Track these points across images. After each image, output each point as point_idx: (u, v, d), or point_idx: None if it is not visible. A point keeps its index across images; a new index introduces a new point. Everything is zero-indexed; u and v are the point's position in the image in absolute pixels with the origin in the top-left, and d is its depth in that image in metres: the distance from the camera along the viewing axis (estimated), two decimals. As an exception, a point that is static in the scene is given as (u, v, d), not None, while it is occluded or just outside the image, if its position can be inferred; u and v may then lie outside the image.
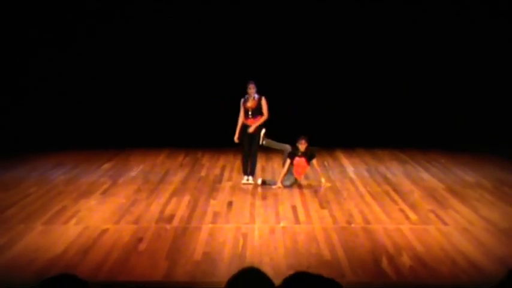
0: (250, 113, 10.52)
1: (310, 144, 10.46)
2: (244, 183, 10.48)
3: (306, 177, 10.92)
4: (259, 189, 10.15)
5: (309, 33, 13.97)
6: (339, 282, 2.52)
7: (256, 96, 10.56)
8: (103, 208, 8.98)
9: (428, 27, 13.93)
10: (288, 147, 10.36)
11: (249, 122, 10.54)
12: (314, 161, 10.41)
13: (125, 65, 14.13)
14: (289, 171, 10.32)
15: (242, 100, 10.63)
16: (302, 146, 10.27)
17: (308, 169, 10.57)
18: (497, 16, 13.62)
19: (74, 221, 8.33)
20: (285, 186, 10.22)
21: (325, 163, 12.32)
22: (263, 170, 11.57)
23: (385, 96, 14.25)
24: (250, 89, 10.51)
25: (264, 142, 10.46)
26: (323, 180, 10.43)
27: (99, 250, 7.17)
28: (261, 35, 13.94)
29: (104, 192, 9.96)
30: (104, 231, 7.85)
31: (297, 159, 10.29)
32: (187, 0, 14.02)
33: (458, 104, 14.13)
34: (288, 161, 10.29)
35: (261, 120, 10.50)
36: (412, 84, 14.17)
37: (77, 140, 13.92)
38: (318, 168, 10.55)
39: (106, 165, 12.14)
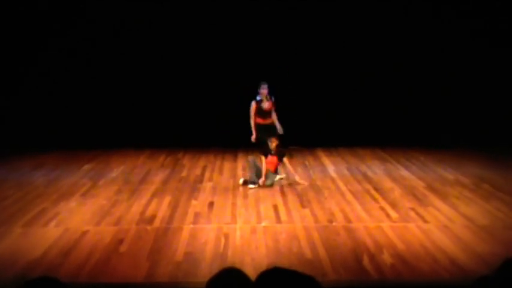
0: (268, 113, 10.90)
1: (292, 143, 10.53)
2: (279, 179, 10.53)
3: (287, 177, 10.96)
4: (241, 189, 10.15)
5: (292, 32, 13.97)
6: (315, 279, 2.52)
7: (269, 97, 10.92)
8: (83, 210, 8.93)
9: (409, 26, 13.98)
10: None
11: (268, 121, 10.93)
12: (285, 159, 10.52)
13: (104, 65, 14.06)
14: (269, 171, 10.34)
15: (254, 102, 10.90)
16: (272, 144, 10.33)
17: (290, 168, 10.60)
18: (472, 16, 13.77)
19: (54, 223, 8.28)
20: (266, 186, 10.22)
21: (306, 162, 12.35)
22: (244, 169, 11.55)
23: (366, 95, 14.28)
24: (264, 89, 10.84)
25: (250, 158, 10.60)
26: (297, 178, 10.48)
27: (80, 252, 7.12)
28: (245, 34, 13.94)
29: (84, 194, 9.90)
30: (85, 233, 7.81)
31: (269, 157, 10.37)
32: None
33: (438, 101, 14.21)
34: (263, 158, 10.35)
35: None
36: (391, 82, 14.21)
37: (57, 141, 13.83)
38: (291, 168, 10.60)
39: (86, 167, 12.08)
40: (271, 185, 10.27)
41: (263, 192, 9.97)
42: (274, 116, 10.97)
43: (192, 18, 13.98)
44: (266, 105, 10.90)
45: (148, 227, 8.06)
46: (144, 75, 14.14)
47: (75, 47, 14.00)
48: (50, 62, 14.03)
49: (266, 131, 10.78)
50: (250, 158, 10.66)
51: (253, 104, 10.92)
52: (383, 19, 13.97)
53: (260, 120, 10.96)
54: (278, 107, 11.11)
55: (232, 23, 13.92)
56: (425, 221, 8.20)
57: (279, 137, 10.58)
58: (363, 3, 13.95)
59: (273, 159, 10.43)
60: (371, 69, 14.19)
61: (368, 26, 14.02)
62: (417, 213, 8.57)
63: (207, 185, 10.49)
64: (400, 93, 14.26)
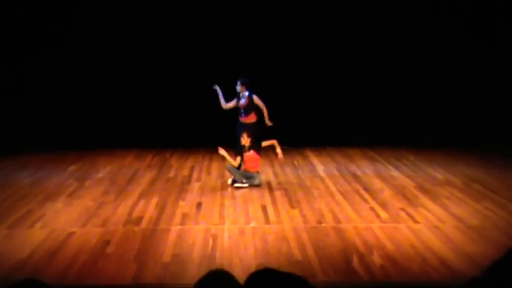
0: (242, 111, 10.99)
1: (280, 143, 10.54)
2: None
3: (276, 176, 10.97)
4: (229, 190, 10.14)
5: (280, 32, 13.99)
6: (308, 280, 2.51)
7: (246, 94, 10.92)
8: (69, 211, 8.89)
9: (402, 24, 14.04)
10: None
11: (242, 119, 11.04)
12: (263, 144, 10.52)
13: (90, 64, 14.02)
14: (254, 170, 10.35)
15: (236, 99, 11.07)
16: (245, 140, 10.35)
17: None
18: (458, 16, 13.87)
19: (39, 224, 8.24)
20: (255, 185, 10.21)
21: (295, 162, 12.35)
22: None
23: (355, 94, 14.32)
24: (237, 86, 10.98)
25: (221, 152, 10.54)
26: (278, 150, 10.53)
27: (66, 254, 7.09)
28: (235, 31, 13.96)
29: (70, 195, 9.86)
30: (71, 234, 7.77)
31: (246, 154, 10.35)
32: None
33: (428, 101, 14.26)
34: (239, 158, 10.37)
35: (264, 113, 11.09)
36: (381, 81, 14.26)
37: (42, 140, 13.77)
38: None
39: (72, 167, 12.03)
40: (259, 185, 10.27)
41: (251, 192, 9.97)
42: (253, 114, 11.03)
43: (181, 17, 13.97)
44: (241, 102, 11.01)
45: (136, 228, 8.04)
46: (131, 74, 14.12)
47: (61, 49, 13.97)
48: (34, 63, 13.95)
49: (241, 129, 10.80)
50: (227, 164, 10.65)
51: (229, 104, 11.15)
52: (373, 18, 14.01)
53: (239, 117, 11.12)
54: (267, 104, 11.17)
55: (221, 21, 13.93)
56: (416, 222, 8.22)
57: (248, 132, 10.49)
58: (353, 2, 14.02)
59: (252, 156, 10.42)
60: (360, 67, 14.24)
61: (362, 25, 14.08)
62: (407, 214, 8.59)
63: (195, 186, 10.47)
64: (389, 92, 14.30)
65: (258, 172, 10.46)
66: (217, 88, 11.26)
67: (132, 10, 13.82)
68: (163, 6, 13.86)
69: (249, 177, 10.30)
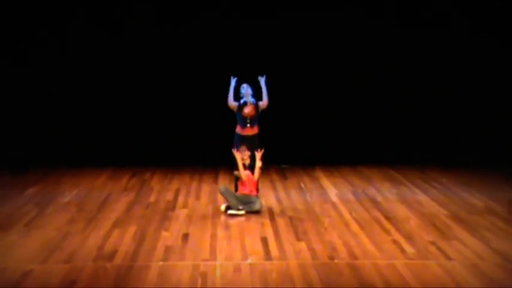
0: (248, 121, 10.77)
1: (284, 161, 10.53)
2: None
3: (279, 202, 10.94)
4: (222, 218, 10.10)
5: (287, 44, 14.15)
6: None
7: (253, 101, 10.82)
8: (26, 244, 8.82)
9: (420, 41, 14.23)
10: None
11: (247, 131, 10.81)
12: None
13: (53, 72, 14.10)
14: (251, 193, 10.33)
15: (238, 104, 10.83)
16: (245, 156, 10.41)
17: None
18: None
19: (-11, 260, 8.18)
20: (254, 212, 10.18)
21: (302, 184, 12.33)
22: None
23: (373, 103, 14.36)
24: (243, 90, 10.84)
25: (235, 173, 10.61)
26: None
27: (22, 296, 7.03)
28: (224, 41, 14.12)
29: (28, 224, 9.80)
30: (28, 273, 7.68)
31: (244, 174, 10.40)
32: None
33: (463, 112, 14.28)
34: (247, 173, 10.40)
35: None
36: (404, 88, 14.30)
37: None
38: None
39: (31, 190, 12.00)
40: (259, 211, 10.23)
41: (249, 221, 9.93)
42: (258, 126, 10.90)
43: (157, 27, 14.18)
44: (246, 110, 10.80)
45: (108, 265, 7.96)
46: (104, 80, 14.17)
47: (22, 57, 14.09)
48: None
49: (241, 141, 10.68)
50: (221, 186, 10.59)
51: (233, 103, 10.84)
52: (394, 34, 14.21)
53: (239, 130, 10.87)
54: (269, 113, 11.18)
55: (203, 32, 14.15)
56: (449, 258, 8.15)
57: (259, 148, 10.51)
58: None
59: (251, 177, 10.40)
60: (380, 76, 14.32)
61: (384, 36, 14.28)
62: (438, 248, 8.52)
63: (181, 213, 10.43)
64: (416, 102, 14.34)
65: (257, 196, 10.41)
66: (234, 80, 10.99)
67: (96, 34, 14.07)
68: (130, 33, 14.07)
69: (246, 202, 10.24)
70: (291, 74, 14.14)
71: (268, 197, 11.26)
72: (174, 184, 12.51)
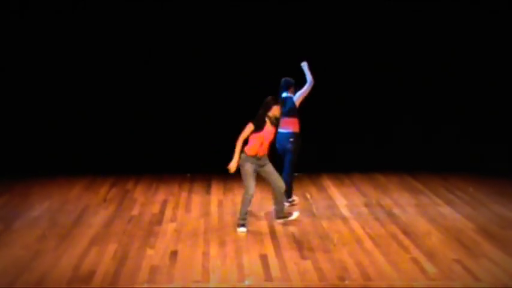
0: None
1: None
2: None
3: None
4: (215, 233, 10.12)
5: (287, 47, 14.22)
6: None
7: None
8: (-9, 263, 8.85)
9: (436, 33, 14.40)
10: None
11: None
12: None
13: (26, 71, 14.21)
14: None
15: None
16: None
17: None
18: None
19: None
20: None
21: (307, 195, 12.36)
22: (220, 204, 11.56)
23: (389, 104, 14.42)
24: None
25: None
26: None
27: (-14, 324, 7.07)
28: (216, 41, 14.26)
29: (-8, 241, 9.84)
30: (-7, 296, 7.73)
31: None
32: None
33: (492, 113, 14.33)
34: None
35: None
36: (423, 86, 14.39)
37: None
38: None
39: (-4, 202, 12.03)
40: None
41: (246, 237, 9.94)
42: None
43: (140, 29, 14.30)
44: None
45: (85, 287, 7.97)
46: (82, 78, 14.25)
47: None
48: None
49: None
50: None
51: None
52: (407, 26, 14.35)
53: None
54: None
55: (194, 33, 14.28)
56: (477, 279, 8.17)
57: None
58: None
59: (267, 128, 10.42)
60: (398, 69, 14.41)
61: (400, 37, 14.44)
62: (464, 268, 8.54)
63: (168, 228, 10.45)
64: (435, 101, 14.38)
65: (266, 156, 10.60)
66: (305, 64, 11.78)
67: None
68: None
69: (259, 164, 10.44)
70: (291, 74, 14.18)
71: (268, 209, 11.28)
72: (161, 195, 12.54)
